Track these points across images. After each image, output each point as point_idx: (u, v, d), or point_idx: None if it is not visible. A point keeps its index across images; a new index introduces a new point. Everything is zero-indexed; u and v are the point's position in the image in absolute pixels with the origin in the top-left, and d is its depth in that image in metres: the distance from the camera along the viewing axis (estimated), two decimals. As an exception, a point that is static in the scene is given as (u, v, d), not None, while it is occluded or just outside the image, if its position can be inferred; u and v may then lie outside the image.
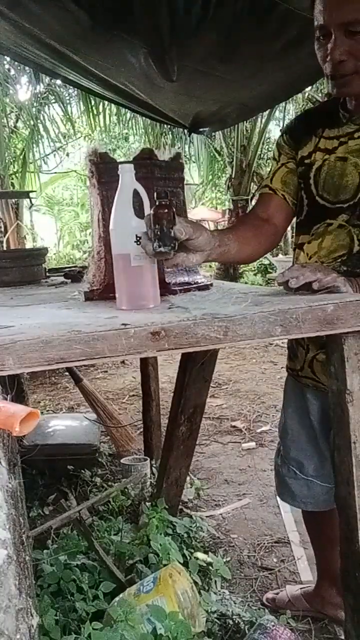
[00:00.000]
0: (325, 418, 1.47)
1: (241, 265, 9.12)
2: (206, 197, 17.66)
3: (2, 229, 7.55)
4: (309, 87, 6.59)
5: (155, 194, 1.08)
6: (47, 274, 2.22)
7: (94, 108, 7.91)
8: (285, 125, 1.51)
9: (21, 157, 9.59)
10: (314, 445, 1.58)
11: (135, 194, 1.12)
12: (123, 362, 5.08)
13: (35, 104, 8.83)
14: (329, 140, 1.34)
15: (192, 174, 12.74)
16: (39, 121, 8.97)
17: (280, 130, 1.56)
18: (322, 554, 1.82)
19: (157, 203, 1.07)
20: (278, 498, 1.83)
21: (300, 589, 1.91)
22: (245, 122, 8.24)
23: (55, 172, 12.46)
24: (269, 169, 1.52)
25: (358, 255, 1.31)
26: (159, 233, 1.05)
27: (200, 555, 2.02)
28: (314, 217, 1.39)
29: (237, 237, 1.32)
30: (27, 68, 6.77)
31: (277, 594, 1.94)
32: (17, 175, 9.61)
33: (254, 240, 1.38)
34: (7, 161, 8.61)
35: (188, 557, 1.95)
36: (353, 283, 1.16)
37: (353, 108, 1.32)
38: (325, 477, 1.56)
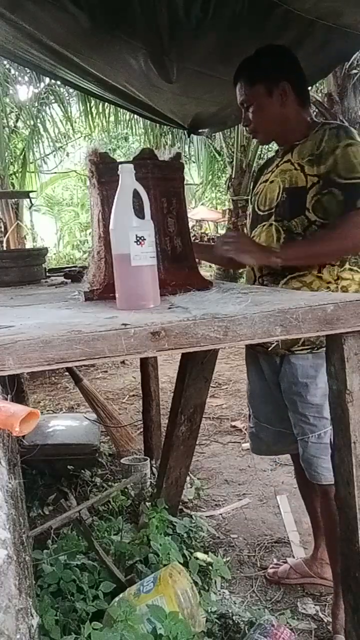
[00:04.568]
0: (275, 378, 1.79)
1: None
2: (206, 197, 17.70)
3: (2, 229, 7.57)
4: (309, 88, 6.59)
5: None
6: (47, 274, 2.23)
7: (93, 108, 7.92)
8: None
9: (21, 157, 9.61)
10: (267, 394, 1.84)
11: (135, 194, 1.12)
12: (123, 362, 5.08)
13: (35, 104, 8.84)
14: (268, 174, 1.82)
15: (192, 174, 12.78)
16: (39, 121, 8.99)
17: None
18: (317, 523, 1.98)
19: None
20: (277, 497, 1.86)
21: (300, 558, 2.08)
22: (245, 122, 8.23)
23: (55, 172, 12.49)
24: None
25: (284, 242, 1.71)
26: None
27: (200, 555, 2.02)
28: (253, 222, 1.87)
29: None
30: (27, 68, 6.77)
31: (277, 567, 2.07)
32: (17, 175, 9.63)
33: None
34: (7, 161, 8.62)
35: (188, 557, 1.95)
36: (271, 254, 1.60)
37: (280, 150, 1.82)
38: (276, 421, 1.83)
